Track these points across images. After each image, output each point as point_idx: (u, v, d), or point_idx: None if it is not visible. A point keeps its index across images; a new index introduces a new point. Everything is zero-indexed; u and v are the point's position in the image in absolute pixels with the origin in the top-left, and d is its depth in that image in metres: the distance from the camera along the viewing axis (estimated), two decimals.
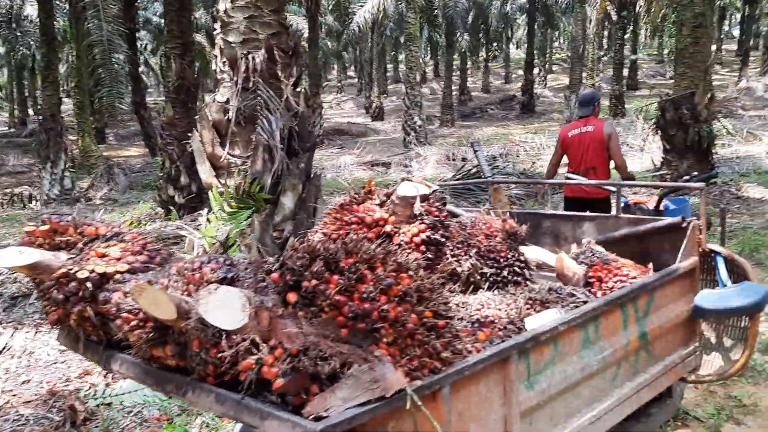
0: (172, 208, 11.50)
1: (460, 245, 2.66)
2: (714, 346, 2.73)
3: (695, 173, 5.41)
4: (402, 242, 2.16)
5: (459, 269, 2.58)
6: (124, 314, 1.64)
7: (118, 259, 1.91)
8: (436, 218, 2.24)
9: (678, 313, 2.47)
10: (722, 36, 42.87)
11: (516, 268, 2.60)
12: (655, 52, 44.28)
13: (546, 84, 39.19)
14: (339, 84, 48.78)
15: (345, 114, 36.94)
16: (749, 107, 24.65)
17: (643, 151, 14.79)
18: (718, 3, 34.41)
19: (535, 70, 35.57)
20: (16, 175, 21.50)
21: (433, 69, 46.97)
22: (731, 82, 31.77)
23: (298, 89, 5.68)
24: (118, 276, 1.86)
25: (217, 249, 5.17)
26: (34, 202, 15.83)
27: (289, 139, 5.33)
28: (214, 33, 5.49)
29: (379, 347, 1.46)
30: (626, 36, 31.31)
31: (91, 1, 16.86)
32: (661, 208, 3.61)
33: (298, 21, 29.11)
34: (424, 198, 2.25)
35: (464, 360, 1.62)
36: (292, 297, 1.49)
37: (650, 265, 2.59)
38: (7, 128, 38.40)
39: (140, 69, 34.21)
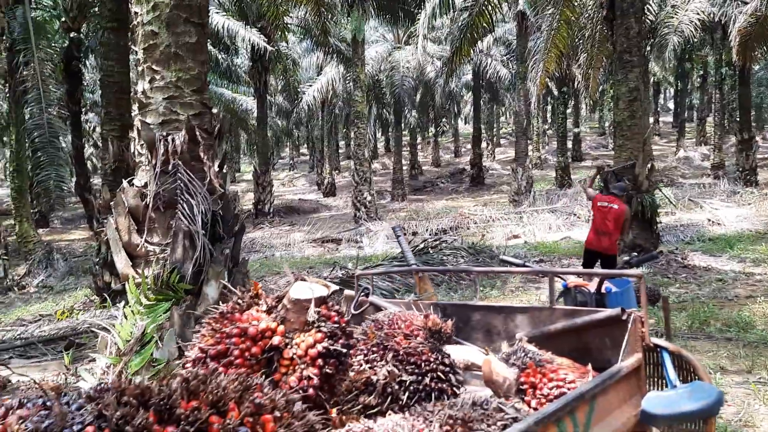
0: (107, 295, 10.87)
1: (375, 348, 2.31)
2: None
3: (634, 254, 5.25)
4: (295, 356, 1.82)
5: (374, 378, 2.22)
6: None
7: None
8: (336, 325, 1.90)
9: (624, 422, 2.15)
10: (659, 109, 44.99)
11: (440, 374, 2.26)
12: (597, 125, 46.04)
13: (494, 157, 40.12)
14: (292, 161, 49.01)
15: (297, 191, 36.83)
16: (689, 176, 25.51)
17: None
18: (653, 79, 36.21)
19: (483, 144, 36.42)
20: None
21: (385, 144, 47.69)
22: (670, 152, 33.07)
23: (224, 171, 5.38)
24: None
25: (132, 347, 4.70)
26: None
27: (212, 223, 4.98)
28: (133, 115, 5.19)
29: None
30: (568, 110, 32.52)
31: (32, 85, 16.52)
32: (603, 290, 3.37)
33: (248, 101, 29.28)
34: (322, 301, 1.92)
35: None
36: None
37: (589, 366, 2.29)
38: None
39: (89, 151, 33.65)
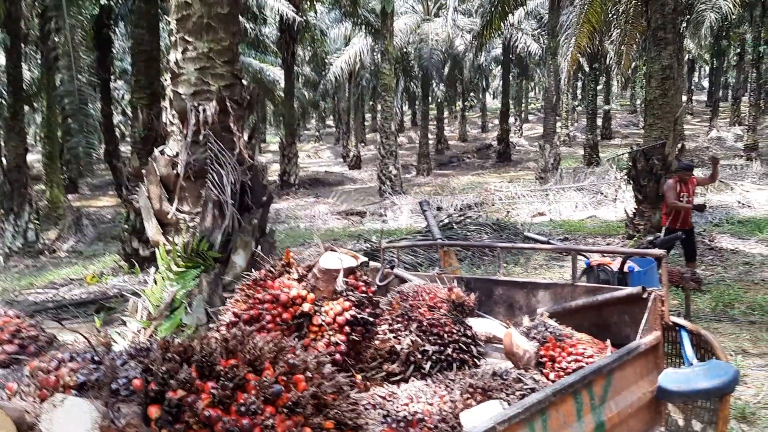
0: (135, 261, 11.12)
1: (399, 319, 2.39)
2: (682, 430, 2.47)
3: (658, 234, 5.24)
4: (323, 323, 1.90)
5: (398, 347, 2.31)
6: None
7: None
8: (364, 294, 1.98)
9: (640, 396, 2.21)
10: (692, 87, 44.01)
11: (461, 345, 2.34)
12: (628, 103, 45.24)
13: (522, 133, 39.68)
14: (317, 133, 49.03)
15: (323, 163, 36.92)
16: (720, 156, 24.98)
17: (615, 201, 14.76)
18: (688, 56, 35.38)
19: (511, 120, 36.02)
20: None
21: (411, 118, 47.43)
22: (702, 132, 32.41)
23: (252, 142, 5.47)
24: None
25: (162, 312, 4.85)
26: None
27: (241, 193, 5.08)
28: (165, 84, 5.28)
29: None
30: (599, 87, 31.99)
31: (63, 51, 16.72)
32: (626, 270, 3.40)
33: (275, 71, 29.28)
34: (351, 271, 2.00)
35: None
36: (153, 411, 1.21)
37: (608, 342, 2.34)
38: None
39: (118, 119, 34.04)
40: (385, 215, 17.58)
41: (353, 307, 1.93)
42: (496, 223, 12.32)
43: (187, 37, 5.12)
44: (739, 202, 14.40)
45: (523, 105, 46.47)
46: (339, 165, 34.49)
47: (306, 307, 1.87)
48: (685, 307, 2.74)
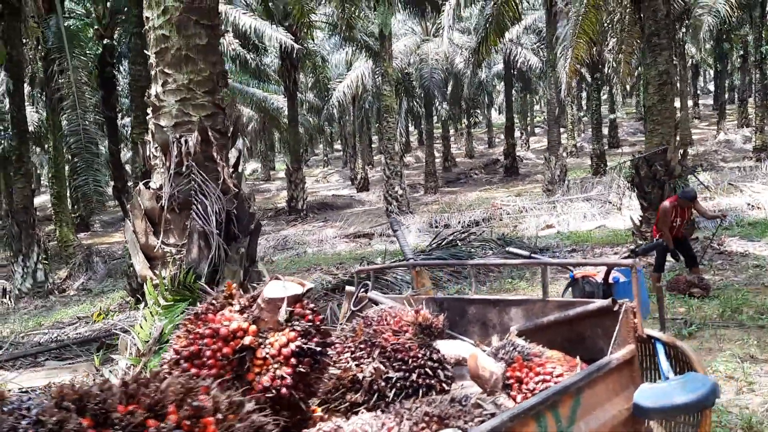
0: (140, 296, 11.09)
1: (362, 345, 2.30)
2: None
3: (640, 243, 5.11)
4: (268, 356, 1.81)
5: (360, 375, 2.21)
6: None
7: None
8: (310, 323, 1.89)
9: (615, 414, 2.09)
10: (698, 92, 43.74)
11: (428, 370, 2.23)
12: (634, 110, 45.04)
13: (529, 146, 39.58)
14: (325, 157, 49.23)
15: (331, 187, 37.00)
16: (729, 159, 24.75)
17: (621, 209, 14.57)
18: (691, 61, 35.21)
19: (517, 134, 35.96)
20: None
21: (418, 138, 47.51)
22: (711, 136, 32.12)
23: (238, 170, 5.43)
24: None
25: (150, 347, 4.78)
26: (7, 296, 15.37)
27: (227, 223, 5.03)
28: (147, 118, 5.27)
29: None
30: (603, 96, 31.89)
31: (68, 92, 16.93)
32: (611, 281, 3.28)
33: (278, 100, 29.47)
34: (296, 299, 1.91)
35: None
36: None
37: (577, 359, 2.23)
38: None
39: (127, 155, 34.35)
40: (393, 235, 17.47)
41: (299, 338, 1.84)
42: (501, 238, 12.17)
43: (166, 70, 5.12)
44: (749, 204, 14.15)
45: (528, 118, 46.42)
46: (347, 188, 34.54)
47: (247, 340, 1.79)
48: (660, 317, 2.62)
